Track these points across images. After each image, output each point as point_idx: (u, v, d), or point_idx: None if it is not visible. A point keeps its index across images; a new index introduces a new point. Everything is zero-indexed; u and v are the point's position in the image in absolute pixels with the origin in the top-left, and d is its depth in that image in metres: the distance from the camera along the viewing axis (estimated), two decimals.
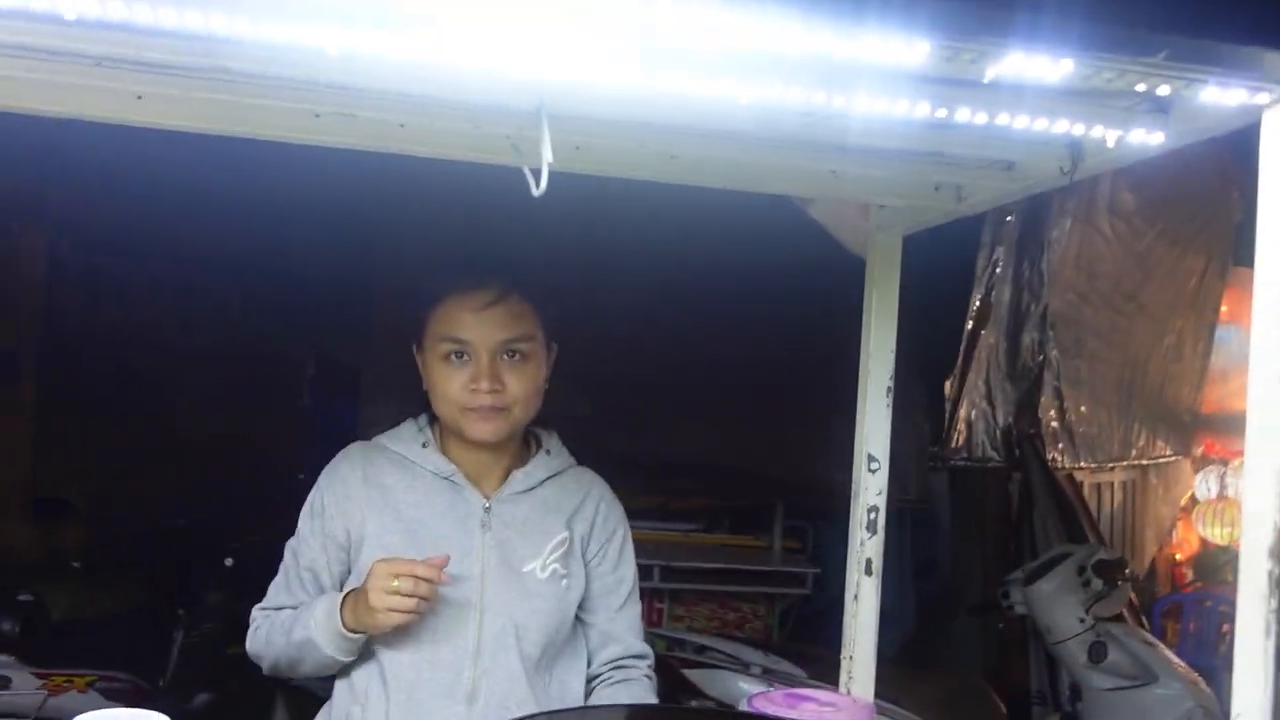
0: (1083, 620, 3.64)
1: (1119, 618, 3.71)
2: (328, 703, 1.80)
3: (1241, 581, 1.15)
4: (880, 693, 3.36)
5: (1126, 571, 3.73)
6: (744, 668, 3.43)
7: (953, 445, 4.36)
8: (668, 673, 3.56)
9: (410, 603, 1.57)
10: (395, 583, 1.56)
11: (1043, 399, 4.79)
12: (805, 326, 4.15)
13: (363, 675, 1.72)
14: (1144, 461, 5.65)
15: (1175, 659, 3.60)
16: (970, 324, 4.36)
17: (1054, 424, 4.89)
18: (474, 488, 1.76)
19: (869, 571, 1.95)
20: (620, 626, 1.83)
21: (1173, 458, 5.92)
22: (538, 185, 1.26)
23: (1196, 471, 6.34)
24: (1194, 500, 6.37)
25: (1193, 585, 5.70)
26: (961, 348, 4.35)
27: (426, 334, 1.75)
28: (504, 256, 1.80)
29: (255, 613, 1.82)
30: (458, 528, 1.73)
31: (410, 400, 1.86)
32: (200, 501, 4.18)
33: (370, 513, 1.74)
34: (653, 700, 1.78)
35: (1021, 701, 4.21)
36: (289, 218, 4.87)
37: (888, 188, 1.67)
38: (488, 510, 1.75)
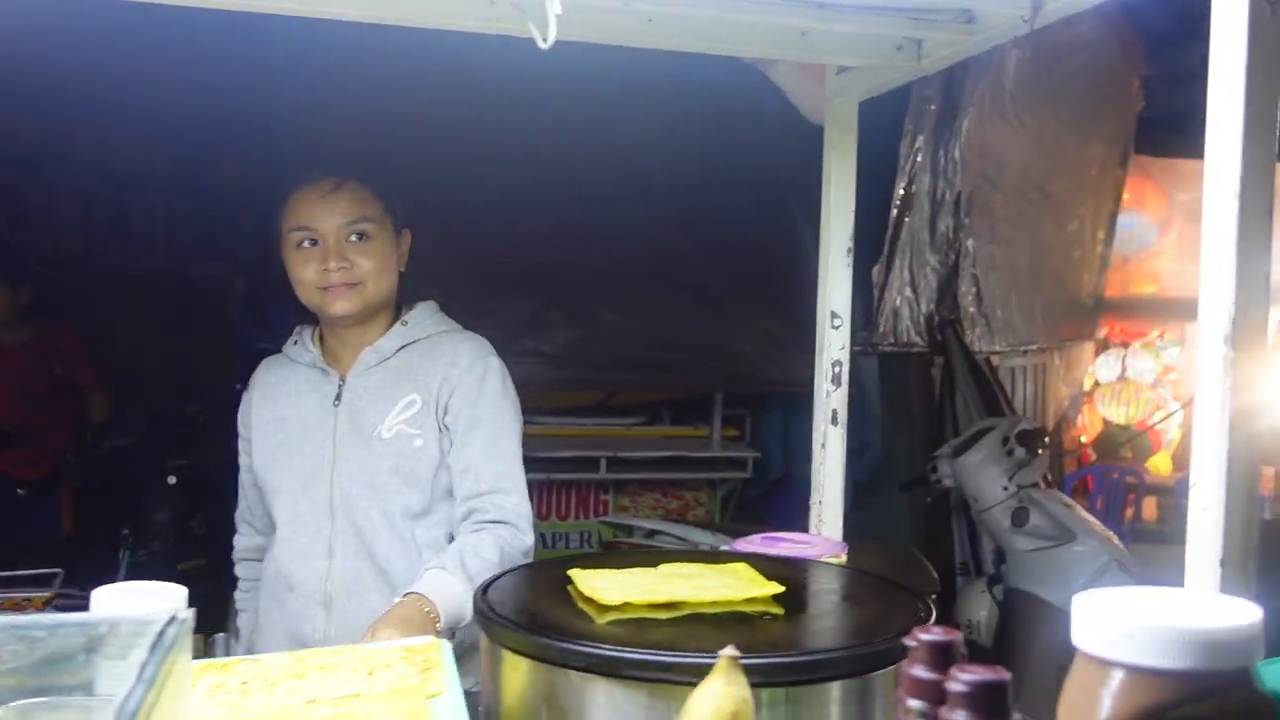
0: (1006, 488, 3.87)
1: (1038, 484, 3.95)
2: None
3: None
4: None
5: (1046, 440, 3.97)
6: (693, 548, 3.58)
7: (881, 331, 4.53)
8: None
9: None
10: None
11: (961, 285, 4.97)
12: (738, 219, 4.25)
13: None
14: (1050, 345, 5.91)
15: (1090, 518, 3.86)
16: (895, 211, 4.50)
17: (971, 309, 5.08)
18: (335, 369, 2.00)
19: (835, 421, 2.08)
20: (475, 456, 1.89)
21: (1076, 341, 6.18)
22: (544, 39, 1.32)
23: (1098, 354, 6.66)
24: (1096, 383, 6.70)
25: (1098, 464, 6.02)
26: (888, 235, 4.49)
27: (282, 229, 1.95)
28: (342, 151, 1.98)
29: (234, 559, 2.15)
30: (317, 406, 1.97)
31: None
32: (140, 422, 4.14)
33: (257, 412, 2.03)
34: (489, 554, 1.77)
35: (946, 572, 4.45)
36: (202, 135, 4.77)
37: (853, 46, 1.75)
38: (341, 386, 1.98)
